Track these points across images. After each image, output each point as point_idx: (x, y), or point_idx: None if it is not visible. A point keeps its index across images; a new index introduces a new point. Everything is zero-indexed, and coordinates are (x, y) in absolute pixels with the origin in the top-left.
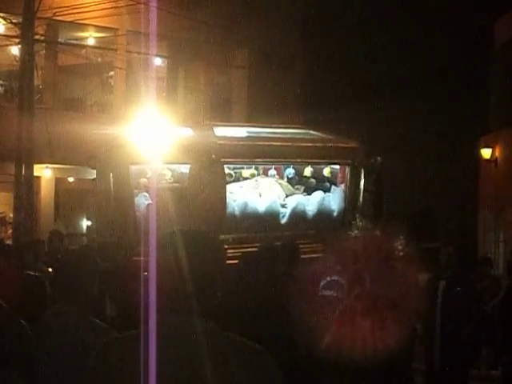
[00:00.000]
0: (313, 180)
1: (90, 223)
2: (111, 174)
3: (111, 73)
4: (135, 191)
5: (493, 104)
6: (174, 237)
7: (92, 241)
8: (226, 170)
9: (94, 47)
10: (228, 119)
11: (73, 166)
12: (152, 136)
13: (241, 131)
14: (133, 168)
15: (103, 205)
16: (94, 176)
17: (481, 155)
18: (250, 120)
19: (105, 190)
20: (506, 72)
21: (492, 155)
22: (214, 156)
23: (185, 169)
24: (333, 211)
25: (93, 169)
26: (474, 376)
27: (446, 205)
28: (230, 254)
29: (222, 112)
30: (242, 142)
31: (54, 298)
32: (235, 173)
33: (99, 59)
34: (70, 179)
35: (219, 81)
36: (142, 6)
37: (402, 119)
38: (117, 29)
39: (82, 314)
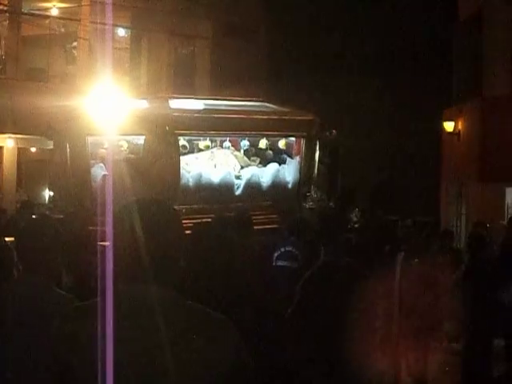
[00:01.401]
0: (269, 152)
1: (52, 193)
2: (68, 145)
3: (75, 43)
4: (91, 162)
5: (456, 77)
6: (130, 206)
7: (50, 211)
8: (181, 142)
9: (57, 17)
10: (191, 90)
11: (35, 137)
12: (108, 107)
13: (197, 103)
14: (89, 139)
15: (60, 175)
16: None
17: (444, 128)
18: (212, 90)
19: (62, 161)
20: (470, 45)
21: (455, 128)
22: (167, 128)
23: (140, 140)
24: (288, 183)
25: (50, 140)
26: (436, 348)
27: (408, 178)
28: (184, 225)
29: (185, 82)
30: (197, 115)
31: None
32: (191, 144)
33: (63, 30)
34: (33, 149)
35: (182, 51)
36: None
37: (364, 93)
38: None
39: (44, 284)
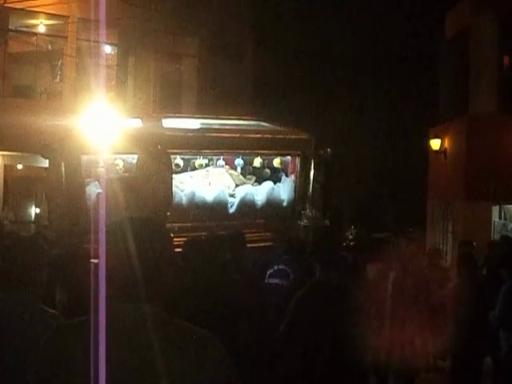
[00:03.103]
0: (264, 170)
1: (38, 210)
2: (63, 164)
3: (61, 60)
4: (86, 180)
5: (442, 95)
6: (122, 224)
7: (44, 228)
8: (176, 161)
9: (44, 34)
10: (177, 108)
11: (22, 154)
12: (102, 127)
13: (191, 122)
14: (84, 158)
15: (55, 193)
16: (45, 164)
17: (430, 146)
18: (199, 109)
19: (57, 180)
20: (457, 63)
21: (441, 146)
22: (159, 146)
23: (134, 159)
24: (282, 201)
25: (46, 158)
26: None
27: (395, 196)
28: (176, 243)
29: (172, 101)
30: (190, 133)
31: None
32: (186, 163)
33: (49, 47)
34: (19, 166)
35: (169, 70)
36: None
37: (352, 110)
38: (67, 16)
39: (31, 301)
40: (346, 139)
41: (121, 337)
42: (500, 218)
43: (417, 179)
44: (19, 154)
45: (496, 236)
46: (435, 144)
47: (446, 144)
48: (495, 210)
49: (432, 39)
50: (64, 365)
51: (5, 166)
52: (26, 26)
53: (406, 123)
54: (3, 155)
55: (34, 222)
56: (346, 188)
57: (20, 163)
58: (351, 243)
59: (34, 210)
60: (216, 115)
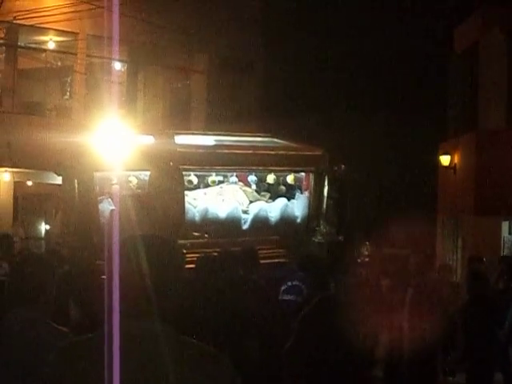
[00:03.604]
0: (279, 187)
1: (48, 227)
2: (76, 181)
3: (71, 77)
4: (99, 198)
5: (452, 110)
6: (130, 241)
7: (57, 245)
8: (189, 177)
9: (54, 51)
10: (186, 124)
11: (31, 170)
12: (115, 143)
13: (203, 139)
14: (97, 175)
15: (69, 210)
16: (54, 181)
17: (440, 162)
18: (208, 125)
19: (70, 196)
20: (466, 78)
21: (451, 162)
22: (171, 163)
23: (147, 176)
24: (296, 217)
25: (59, 175)
26: None
27: (405, 212)
28: (188, 259)
29: (181, 117)
30: (202, 150)
31: (11, 302)
32: (199, 179)
33: (59, 63)
34: (29, 183)
35: (178, 86)
36: (103, 10)
37: (362, 127)
38: (77, 33)
39: (40, 318)
40: (355, 157)
41: (132, 354)
42: (510, 233)
43: (426, 194)
44: (29, 170)
45: (506, 251)
46: (445, 160)
47: (456, 159)
48: (505, 225)
49: (441, 54)
50: (71, 382)
51: (15, 182)
52: (36, 43)
53: (415, 140)
54: (13, 172)
55: (43, 239)
56: (357, 204)
57: (30, 180)
58: (366, 259)
59: (43, 227)
60: (226, 131)
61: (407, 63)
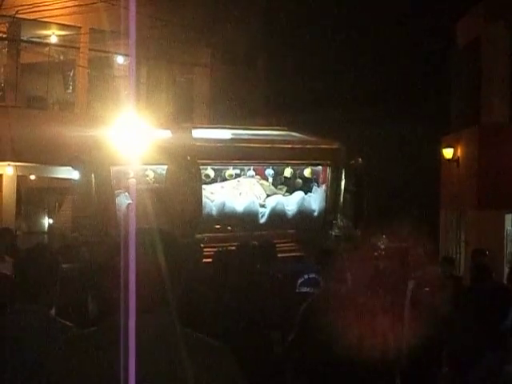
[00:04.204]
0: (296, 180)
1: (51, 221)
2: (93, 175)
3: (73, 71)
4: (116, 191)
5: (455, 104)
6: (139, 235)
7: (74, 239)
8: (206, 171)
9: (56, 45)
10: (189, 118)
11: (35, 164)
12: (131, 138)
13: (220, 133)
14: (114, 169)
15: (85, 204)
16: (56, 174)
17: (443, 155)
18: (211, 119)
19: (87, 190)
20: (468, 72)
21: (454, 155)
22: (189, 157)
23: (164, 170)
24: (313, 211)
25: (75, 169)
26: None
27: (409, 205)
28: (206, 253)
29: (184, 110)
30: (219, 144)
31: (15, 296)
32: (216, 173)
33: (62, 57)
34: (32, 177)
35: (181, 79)
36: (105, 4)
37: (365, 121)
38: (79, 27)
39: (44, 313)
40: (361, 149)
41: (140, 347)
42: None
43: (429, 188)
44: (32, 164)
45: (509, 244)
46: (448, 153)
47: (459, 153)
48: (508, 218)
49: (444, 49)
50: (75, 376)
51: (17, 176)
52: (38, 37)
53: (418, 133)
54: (16, 166)
55: (46, 233)
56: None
57: (33, 174)
58: (382, 252)
59: (46, 221)
60: (229, 125)
61: (410, 58)
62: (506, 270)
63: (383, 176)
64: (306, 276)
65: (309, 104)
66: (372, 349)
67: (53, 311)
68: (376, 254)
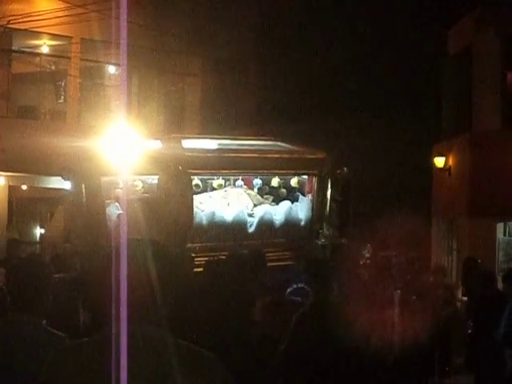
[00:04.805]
0: (282, 190)
1: (43, 231)
2: (83, 185)
3: (65, 81)
4: (107, 202)
5: (446, 112)
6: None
7: (66, 250)
8: (195, 181)
9: (47, 55)
10: (180, 127)
11: (26, 174)
12: (122, 148)
13: (210, 143)
14: (104, 179)
15: (76, 214)
16: (48, 184)
17: (434, 164)
18: (202, 128)
19: (78, 201)
20: (459, 80)
21: (445, 164)
22: (180, 167)
23: (155, 180)
24: (300, 220)
25: (66, 180)
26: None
27: (400, 213)
28: (197, 262)
29: (175, 120)
30: (210, 154)
31: (8, 307)
32: (204, 183)
33: (53, 67)
34: (24, 187)
35: (172, 89)
36: (96, 14)
37: (355, 130)
38: (71, 37)
39: (36, 323)
40: (348, 160)
41: (132, 357)
42: (505, 235)
43: (421, 196)
44: (23, 174)
45: (501, 253)
46: (439, 162)
47: (451, 161)
48: (500, 226)
49: (434, 56)
50: None
51: (9, 186)
52: (30, 47)
53: (409, 142)
54: (7, 176)
55: (38, 243)
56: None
57: (24, 184)
58: (368, 261)
59: (38, 231)
60: (220, 134)
61: (400, 65)
62: (499, 278)
63: (374, 185)
64: (294, 285)
65: (300, 113)
66: (363, 358)
67: (44, 321)
68: (361, 262)
